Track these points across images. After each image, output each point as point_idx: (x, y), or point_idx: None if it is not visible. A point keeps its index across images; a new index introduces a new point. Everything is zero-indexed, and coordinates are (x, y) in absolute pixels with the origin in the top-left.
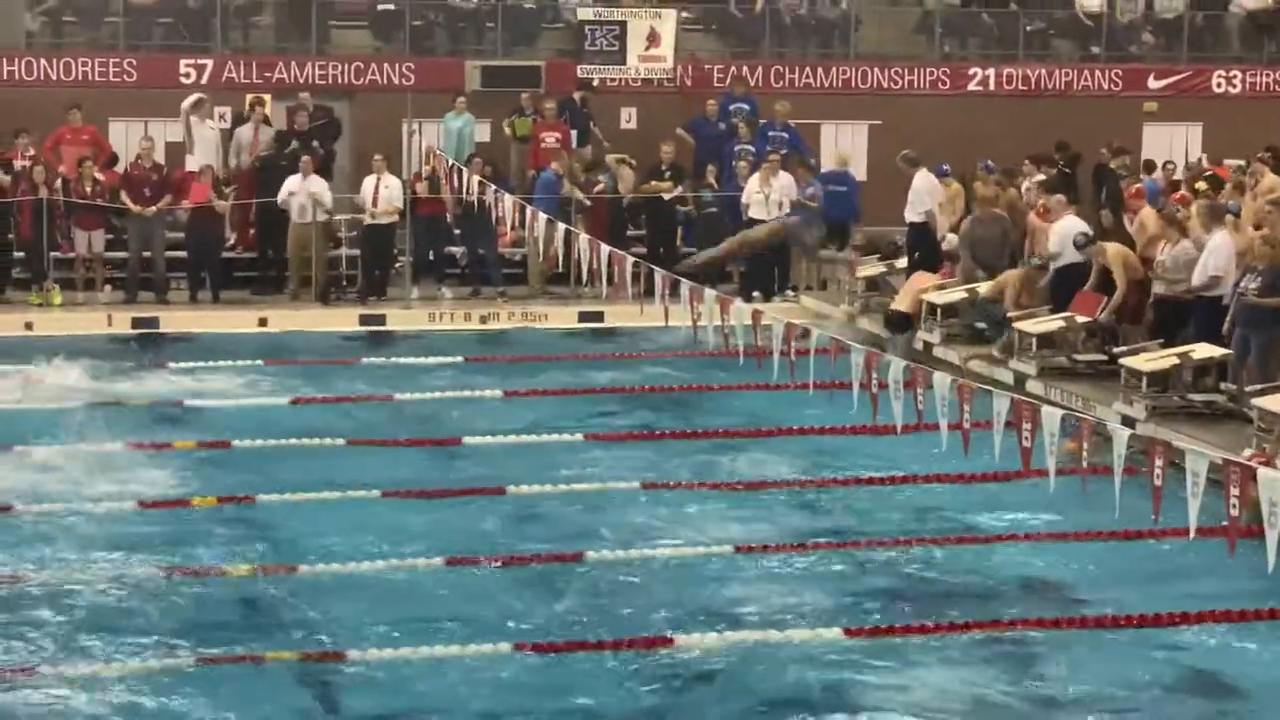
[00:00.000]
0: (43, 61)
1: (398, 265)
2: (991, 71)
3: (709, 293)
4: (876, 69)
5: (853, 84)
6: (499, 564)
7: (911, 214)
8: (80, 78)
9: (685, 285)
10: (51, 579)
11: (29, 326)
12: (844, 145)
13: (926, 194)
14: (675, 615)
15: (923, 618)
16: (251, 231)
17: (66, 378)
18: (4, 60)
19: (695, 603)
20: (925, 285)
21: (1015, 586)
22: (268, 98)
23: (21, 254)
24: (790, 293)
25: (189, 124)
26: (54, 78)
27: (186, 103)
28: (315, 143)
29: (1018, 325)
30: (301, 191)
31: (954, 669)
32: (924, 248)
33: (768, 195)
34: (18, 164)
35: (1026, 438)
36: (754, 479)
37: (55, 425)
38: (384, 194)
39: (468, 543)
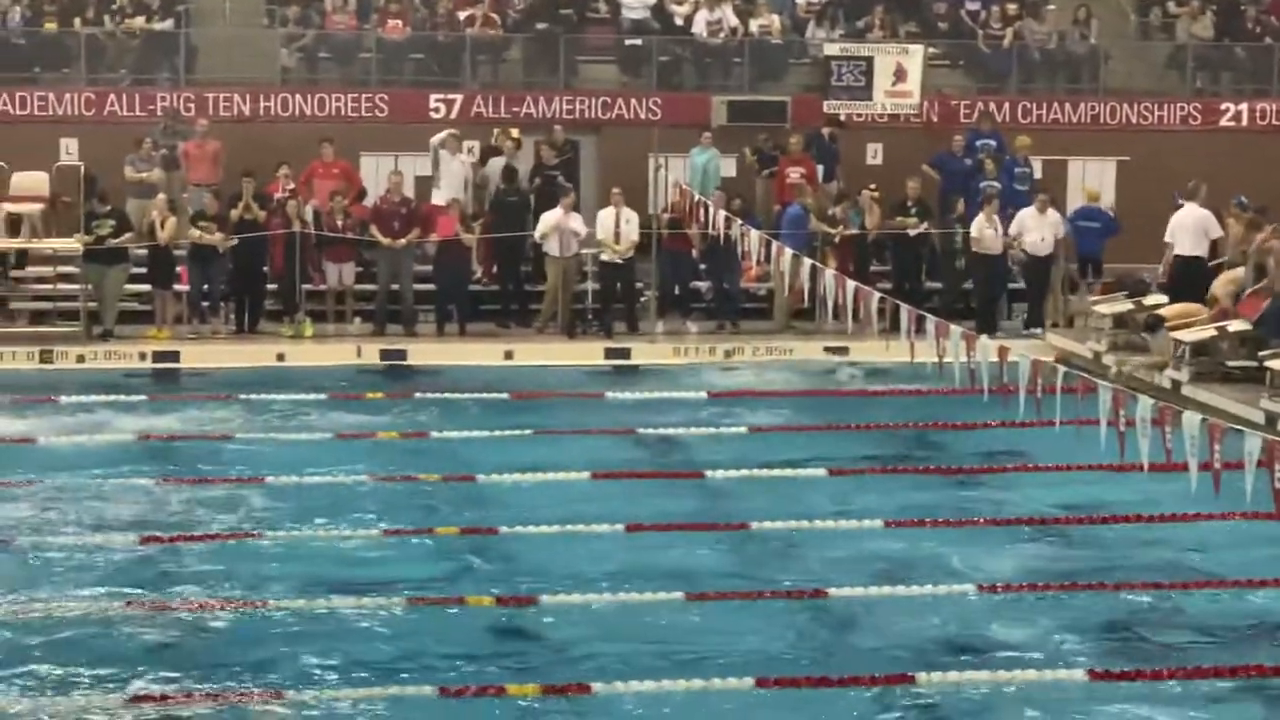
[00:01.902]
0: (297, 97)
1: (642, 300)
2: (1244, 107)
3: (954, 329)
4: (1125, 104)
5: (1101, 120)
6: (739, 599)
7: (1183, 248)
8: (333, 113)
9: (931, 321)
10: (293, 605)
11: (281, 358)
12: (1091, 181)
13: (1201, 229)
14: (917, 653)
15: (1170, 661)
16: (496, 266)
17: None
18: (260, 96)
19: (937, 640)
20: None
21: (1268, 630)
22: (516, 132)
23: (274, 286)
24: (1038, 330)
25: (438, 158)
26: (308, 113)
27: (436, 138)
28: (561, 177)
29: (1174, 335)
30: (559, 225)
31: (1202, 714)
32: (1191, 282)
33: (1041, 235)
34: (276, 197)
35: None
36: (998, 516)
37: (302, 457)
38: (624, 229)
39: (710, 578)
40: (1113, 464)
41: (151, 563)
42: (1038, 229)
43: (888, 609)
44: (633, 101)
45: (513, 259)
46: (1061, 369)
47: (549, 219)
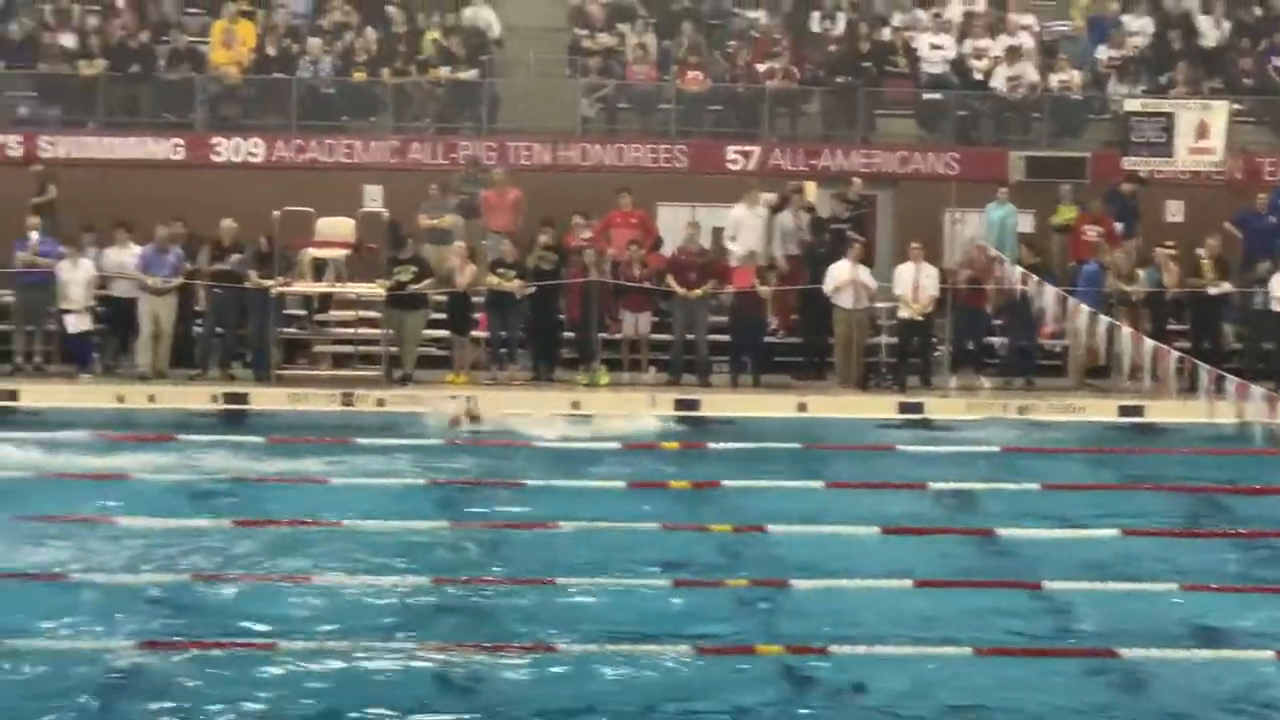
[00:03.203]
0: (597, 147)
1: (936, 354)
2: None
3: (1256, 389)
4: None
5: None
6: (1029, 656)
7: None
8: (631, 163)
9: (1231, 381)
10: (584, 650)
11: (575, 406)
12: None
13: None
14: (1208, 718)
15: None
16: (793, 317)
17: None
18: (560, 145)
19: (1231, 706)
20: None
21: None
22: (810, 184)
23: (571, 334)
24: None
25: (739, 212)
26: (606, 163)
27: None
28: (856, 230)
29: None
30: (848, 278)
31: None
32: None
33: None
34: (572, 245)
35: None
36: None
37: (595, 504)
38: (923, 284)
39: (999, 634)
40: None
41: (445, 607)
42: None
43: (1179, 672)
44: (930, 156)
45: (809, 311)
46: None
47: (840, 272)
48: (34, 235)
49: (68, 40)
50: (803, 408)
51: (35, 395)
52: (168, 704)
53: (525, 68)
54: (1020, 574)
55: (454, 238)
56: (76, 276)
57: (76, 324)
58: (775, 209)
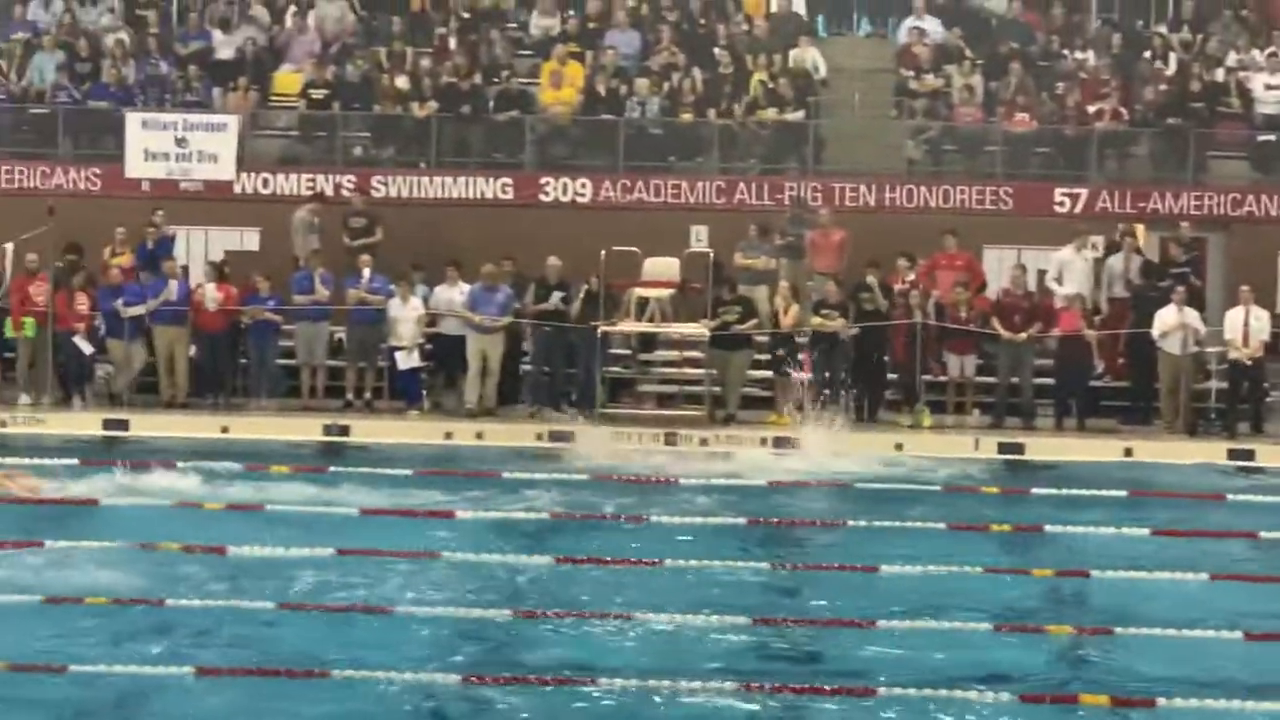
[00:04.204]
0: (922, 189)
1: (1268, 399)
2: None
3: None
4: None
5: None
6: None
7: None
8: (957, 205)
9: None
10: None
11: (899, 447)
12: None
13: None
14: None
15: None
16: (1120, 361)
17: None
18: (885, 186)
19: None
20: None
21: None
22: (1140, 227)
23: (895, 375)
24: None
25: (1066, 254)
26: (932, 204)
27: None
28: (1188, 274)
29: None
30: (1176, 322)
31: None
32: None
33: None
34: (897, 287)
35: None
36: None
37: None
38: (1253, 327)
39: None
40: None
41: (763, 647)
42: None
43: None
44: (1264, 198)
45: (1137, 355)
46: None
47: (1168, 316)
48: (366, 273)
49: (401, 82)
50: (1129, 453)
51: (365, 431)
52: None
53: (851, 109)
54: None
55: (772, 278)
56: (406, 314)
57: (406, 361)
58: (1107, 252)
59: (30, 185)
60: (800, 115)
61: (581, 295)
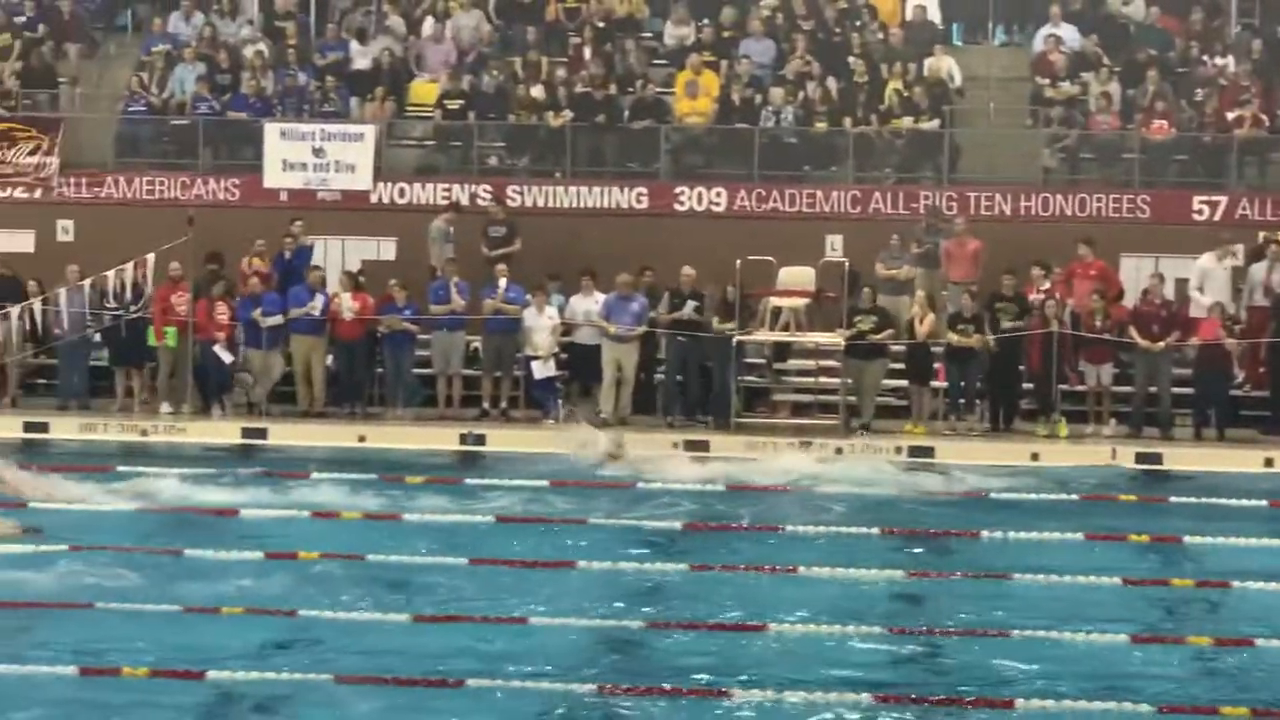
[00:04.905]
0: (1058, 197)
1: None
2: None
3: None
4: None
5: None
6: None
7: None
8: (1093, 213)
9: None
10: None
11: (1035, 457)
12: None
13: None
14: None
15: None
16: (1261, 370)
17: None
18: (1021, 195)
19: None
20: None
21: None
22: None
23: (1030, 385)
24: None
25: (1206, 263)
26: (1068, 213)
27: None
28: None
29: None
30: None
31: None
32: None
33: None
34: (1032, 297)
35: None
36: None
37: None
38: None
39: None
40: None
41: (900, 657)
42: None
43: None
44: None
45: (1278, 364)
46: None
47: None
48: (502, 282)
49: (536, 92)
50: (1269, 463)
51: (500, 440)
52: None
53: (986, 117)
54: None
55: (912, 288)
56: (542, 323)
57: (541, 370)
58: (1249, 260)
59: (171, 196)
60: (935, 124)
61: (712, 303)
